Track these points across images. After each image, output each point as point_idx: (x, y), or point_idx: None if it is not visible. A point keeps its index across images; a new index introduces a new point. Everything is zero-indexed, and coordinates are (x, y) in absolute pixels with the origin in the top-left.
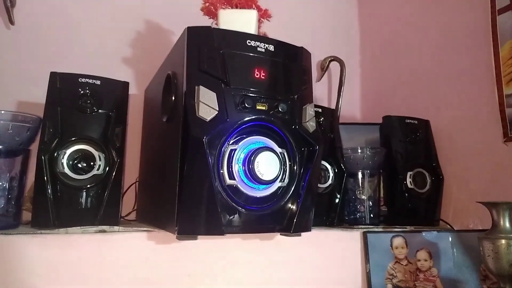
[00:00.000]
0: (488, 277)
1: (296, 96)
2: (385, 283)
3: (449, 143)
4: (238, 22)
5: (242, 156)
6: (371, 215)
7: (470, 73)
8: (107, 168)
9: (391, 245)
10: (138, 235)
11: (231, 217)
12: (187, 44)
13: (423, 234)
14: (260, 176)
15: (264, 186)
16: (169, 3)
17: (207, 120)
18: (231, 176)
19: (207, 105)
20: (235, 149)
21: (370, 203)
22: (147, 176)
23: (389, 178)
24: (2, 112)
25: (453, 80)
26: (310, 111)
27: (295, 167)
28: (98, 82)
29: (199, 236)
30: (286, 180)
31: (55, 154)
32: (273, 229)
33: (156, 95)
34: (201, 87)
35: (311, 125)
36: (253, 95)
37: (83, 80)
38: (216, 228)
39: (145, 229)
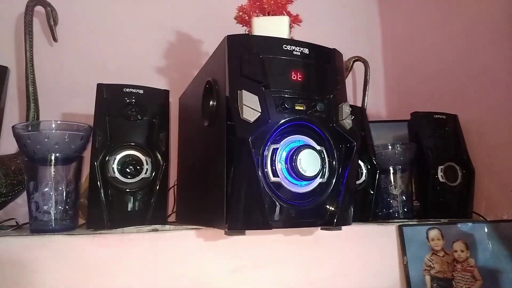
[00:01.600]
0: None
1: (331, 96)
2: (423, 275)
3: (478, 136)
4: (272, 28)
5: (284, 154)
6: (405, 210)
7: (496, 68)
8: (154, 172)
9: (427, 237)
10: (188, 233)
11: (277, 213)
12: (227, 51)
13: (458, 225)
14: (303, 172)
15: (306, 182)
16: (197, 14)
17: (251, 122)
18: (275, 174)
19: (250, 107)
20: (277, 148)
21: (404, 198)
22: (187, 179)
23: (420, 173)
24: (59, 122)
25: (479, 75)
26: (346, 109)
27: (334, 163)
28: (141, 91)
29: (246, 232)
30: (326, 176)
31: (106, 160)
32: (315, 224)
33: (194, 101)
34: (243, 91)
35: (347, 122)
36: (292, 96)
37: (127, 90)
38: (264, 223)
39: (193, 227)
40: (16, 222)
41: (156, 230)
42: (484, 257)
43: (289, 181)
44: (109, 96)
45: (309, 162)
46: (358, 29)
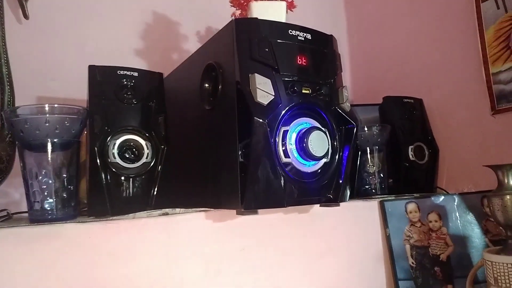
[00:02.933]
0: (489, 231)
1: (332, 80)
2: (404, 244)
3: (441, 118)
4: (270, 13)
5: (294, 136)
6: (382, 186)
7: (457, 55)
8: (155, 156)
9: (406, 211)
10: (197, 215)
11: (288, 191)
12: (236, 35)
13: (432, 198)
14: (313, 152)
15: (313, 162)
16: None
17: (265, 104)
18: (286, 154)
19: (264, 90)
20: (287, 130)
21: (381, 175)
22: (184, 162)
23: (392, 153)
24: (59, 105)
25: (442, 62)
26: (345, 93)
27: (336, 144)
28: (136, 74)
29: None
30: (329, 156)
31: (105, 145)
32: (321, 200)
33: (187, 85)
34: (256, 74)
35: (347, 105)
36: (299, 80)
37: (121, 72)
38: (279, 202)
39: (203, 209)
40: (8, 213)
41: (167, 214)
42: (454, 225)
43: (298, 161)
44: (103, 79)
45: (318, 143)
46: (322, 13)
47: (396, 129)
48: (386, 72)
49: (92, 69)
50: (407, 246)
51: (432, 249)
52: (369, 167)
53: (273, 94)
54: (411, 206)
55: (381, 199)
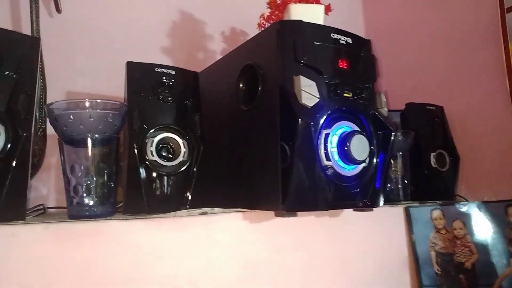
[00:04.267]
0: None
1: (371, 85)
2: (429, 250)
3: (461, 126)
4: (308, 15)
5: (335, 139)
6: (405, 192)
7: (481, 64)
8: (192, 155)
9: (431, 217)
10: (235, 215)
11: (329, 194)
12: (280, 36)
13: (456, 206)
14: (355, 156)
15: (353, 166)
16: None
17: (310, 107)
18: (328, 157)
19: (309, 93)
20: (329, 133)
21: (405, 181)
22: (218, 162)
23: (414, 159)
24: (102, 101)
25: (464, 70)
26: (383, 98)
27: (373, 149)
28: (173, 72)
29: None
30: (367, 160)
31: (144, 142)
32: (356, 205)
33: (222, 84)
34: (301, 76)
35: (385, 110)
36: (340, 83)
37: (159, 70)
38: (320, 204)
39: (240, 209)
40: (44, 207)
41: (206, 213)
42: (478, 233)
43: (339, 164)
44: (141, 76)
45: (360, 147)
46: (341, 18)
47: (419, 135)
48: (406, 79)
49: (131, 65)
50: (433, 253)
51: (457, 257)
52: (393, 172)
53: (318, 96)
54: (436, 213)
55: (406, 205)
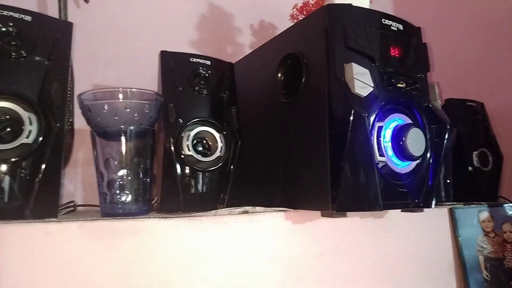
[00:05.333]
0: None
1: (424, 75)
2: (477, 255)
3: (502, 124)
4: (354, 2)
5: (389, 132)
6: (447, 192)
7: None
8: (228, 150)
9: (478, 219)
10: (277, 215)
11: (383, 193)
12: (329, 22)
13: (506, 207)
14: (412, 152)
15: (407, 162)
16: None
17: (363, 96)
18: (381, 153)
19: (362, 81)
20: (382, 126)
21: (448, 181)
22: (256, 158)
23: (455, 157)
24: (137, 90)
25: (504, 67)
26: (437, 89)
27: (427, 144)
28: (209, 62)
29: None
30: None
31: (180, 136)
32: (411, 204)
33: (259, 76)
34: (353, 64)
35: (438, 103)
36: (393, 72)
37: (194, 60)
38: (375, 203)
39: (282, 209)
40: (74, 204)
41: (247, 212)
42: None
43: (392, 160)
44: (176, 66)
45: (417, 141)
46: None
47: (460, 133)
48: (444, 73)
49: (165, 55)
50: (481, 258)
51: (508, 262)
52: None
53: (372, 85)
54: (484, 215)
55: (450, 206)
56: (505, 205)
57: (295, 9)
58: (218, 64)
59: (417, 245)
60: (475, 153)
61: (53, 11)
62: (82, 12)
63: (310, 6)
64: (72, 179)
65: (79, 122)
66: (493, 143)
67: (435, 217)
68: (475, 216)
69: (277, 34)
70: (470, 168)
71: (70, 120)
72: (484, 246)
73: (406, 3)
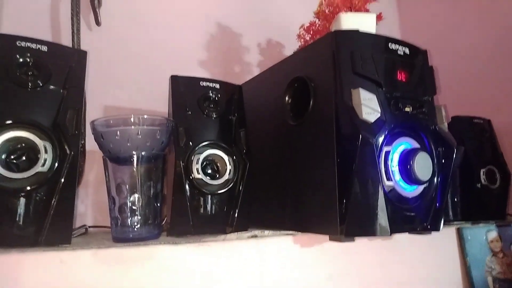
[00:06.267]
0: None
1: (431, 98)
2: (486, 276)
3: (510, 141)
4: (360, 25)
5: (396, 157)
6: (454, 211)
7: None
8: (237, 172)
9: (486, 239)
10: (285, 239)
11: (391, 218)
12: (336, 47)
13: None
14: (419, 176)
15: (415, 186)
16: (236, 7)
17: (371, 122)
18: (389, 177)
19: (370, 107)
20: (389, 151)
21: (455, 199)
22: (263, 180)
23: (462, 176)
24: (149, 117)
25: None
26: (443, 112)
27: (434, 167)
28: (218, 86)
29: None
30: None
31: (190, 160)
32: (415, 228)
33: (266, 98)
34: (361, 89)
35: (445, 126)
36: (400, 97)
37: (204, 83)
38: (382, 229)
39: (290, 232)
40: (86, 228)
41: (256, 236)
42: None
43: (400, 185)
44: (186, 90)
45: (424, 165)
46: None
47: (467, 150)
48: (450, 90)
49: (175, 79)
50: (489, 278)
51: None
52: None
53: (379, 111)
54: (493, 235)
55: (458, 225)
56: None
57: (302, 29)
58: (227, 87)
59: (425, 266)
60: (482, 170)
61: (66, 34)
62: (94, 35)
63: (317, 26)
64: (83, 199)
65: (91, 142)
66: (500, 161)
67: (443, 237)
68: (483, 236)
69: (284, 52)
70: (478, 185)
71: (82, 142)
72: (493, 266)
73: (412, 20)
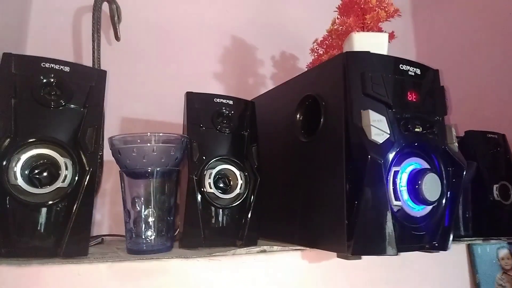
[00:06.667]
0: None
1: (441, 118)
2: None
3: None
4: (372, 44)
5: (405, 177)
6: (466, 227)
7: None
8: (248, 187)
9: (497, 257)
10: (294, 254)
11: (399, 237)
12: (347, 69)
13: None
14: (427, 197)
15: (423, 206)
16: (251, 20)
17: (380, 143)
18: (397, 197)
19: (379, 128)
20: (398, 171)
21: (467, 215)
22: (274, 195)
23: (474, 191)
24: (164, 134)
25: None
26: (453, 132)
27: (444, 187)
28: (231, 102)
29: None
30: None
31: (203, 174)
32: (424, 248)
33: (278, 114)
34: (370, 111)
35: (455, 146)
36: (410, 117)
37: (218, 100)
38: (390, 248)
39: (299, 248)
40: (102, 239)
41: (264, 251)
42: None
43: (408, 204)
44: (200, 106)
45: (432, 186)
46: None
47: (480, 166)
48: (464, 105)
49: (190, 95)
50: None
51: None
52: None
53: (389, 132)
54: (503, 252)
55: (469, 242)
56: None
57: (315, 44)
58: (240, 103)
59: (434, 282)
60: (495, 186)
61: (87, 49)
62: (113, 49)
63: (331, 40)
64: (100, 208)
65: (109, 152)
66: None
67: (453, 253)
68: (494, 253)
69: (298, 65)
70: (491, 198)
71: (100, 154)
72: (503, 284)
73: (427, 37)
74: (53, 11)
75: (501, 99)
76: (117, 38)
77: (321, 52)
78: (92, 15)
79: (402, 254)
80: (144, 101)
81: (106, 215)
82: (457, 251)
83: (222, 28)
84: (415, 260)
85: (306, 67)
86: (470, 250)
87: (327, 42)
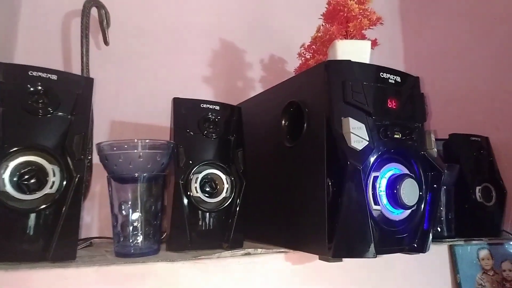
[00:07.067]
0: None
1: (421, 124)
2: None
3: (508, 159)
4: (355, 52)
5: (384, 182)
6: (448, 228)
7: None
8: (234, 191)
9: (478, 257)
10: (277, 256)
11: (377, 240)
12: (328, 76)
13: (505, 246)
14: (405, 201)
15: (402, 210)
16: (240, 23)
17: (359, 150)
18: (376, 202)
19: (358, 135)
20: (377, 176)
21: (449, 216)
22: (259, 198)
23: (457, 193)
24: (150, 141)
25: (509, 97)
26: (432, 138)
27: (421, 192)
28: (218, 108)
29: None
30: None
31: (189, 179)
32: (403, 250)
33: (263, 120)
34: (350, 118)
35: (434, 151)
36: (390, 124)
37: (205, 105)
38: (370, 251)
39: (282, 250)
40: (91, 242)
41: (249, 253)
42: None
43: (387, 208)
44: (187, 112)
45: (410, 191)
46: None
47: (463, 168)
48: (448, 107)
49: (177, 101)
50: None
51: None
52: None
53: (368, 139)
54: (484, 253)
55: (450, 243)
56: (505, 243)
57: (302, 48)
58: (227, 108)
59: (416, 283)
60: (478, 188)
61: (76, 54)
62: (102, 53)
63: (318, 44)
64: (89, 210)
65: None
66: (496, 178)
67: (435, 254)
68: (475, 254)
69: (287, 68)
70: (471, 204)
71: (89, 157)
72: (483, 284)
73: (416, 42)
74: (42, 15)
75: (486, 103)
76: (106, 42)
77: (308, 57)
78: (81, 19)
79: (384, 255)
80: (133, 104)
81: (95, 218)
82: (439, 252)
83: (211, 32)
84: (397, 261)
85: (294, 72)
86: (451, 251)
87: (314, 47)
